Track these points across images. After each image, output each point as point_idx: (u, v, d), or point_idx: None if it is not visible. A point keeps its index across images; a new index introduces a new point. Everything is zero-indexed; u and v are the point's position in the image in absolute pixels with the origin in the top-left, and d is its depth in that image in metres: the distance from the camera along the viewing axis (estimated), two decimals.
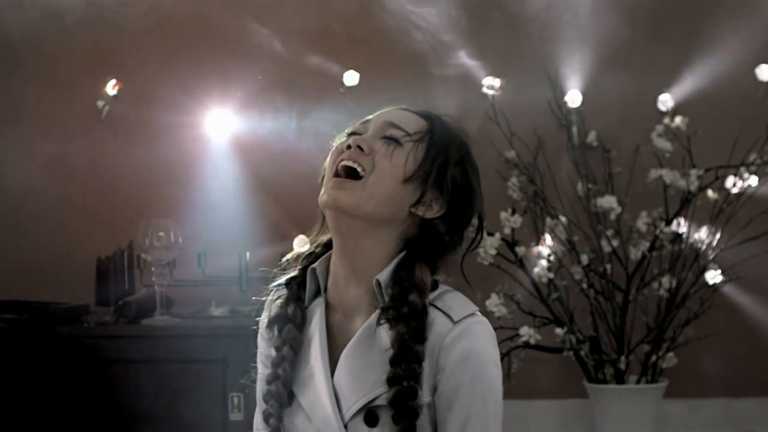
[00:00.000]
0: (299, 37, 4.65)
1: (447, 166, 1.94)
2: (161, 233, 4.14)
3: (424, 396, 1.87)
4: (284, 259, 2.04)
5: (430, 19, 4.57)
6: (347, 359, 1.91)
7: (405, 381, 1.85)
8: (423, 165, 1.92)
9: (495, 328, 4.74)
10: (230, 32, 4.64)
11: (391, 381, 1.86)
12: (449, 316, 1.88)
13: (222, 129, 4.68)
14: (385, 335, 1.88)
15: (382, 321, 1.88)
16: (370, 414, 1.88)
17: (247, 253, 4.31)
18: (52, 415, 4.06)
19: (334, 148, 1.97)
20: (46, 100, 4.70)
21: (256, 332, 2.06)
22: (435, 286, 1.93)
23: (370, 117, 1.99)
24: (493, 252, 4.39)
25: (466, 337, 1.88)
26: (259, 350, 2.04)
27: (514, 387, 4.29)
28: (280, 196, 4.49)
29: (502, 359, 4.23)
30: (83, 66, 4.70)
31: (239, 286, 4.31)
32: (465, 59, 4.66)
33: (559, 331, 4.39)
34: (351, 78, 4.65)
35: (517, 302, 4.39)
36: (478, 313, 1.92)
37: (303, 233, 3.50)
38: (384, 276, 1.90)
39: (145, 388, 4.06)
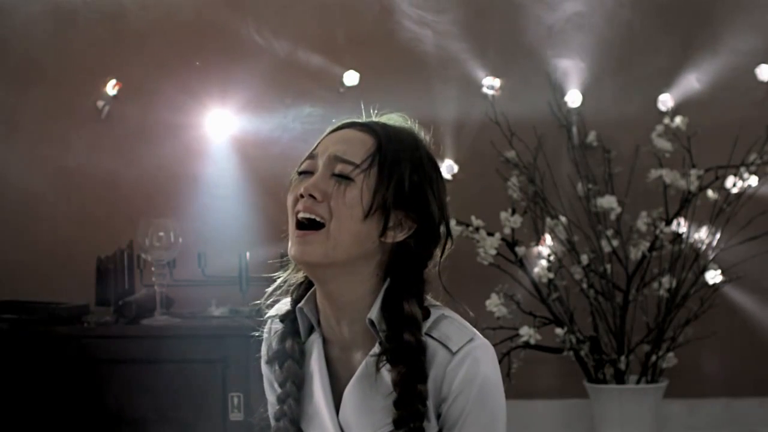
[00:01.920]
0: (299, 37, 4.65)
1: (403, 181, 1.89)
2: (161, 233, 4.13)
3: (432, 428, 1.87)
4: (277, 283, 2.00)
5: (431, 19, 4.57)
6: (351, 398, 1.90)
7: (411, 422, 1.84)
8: (378, 193, 1.88)
9: (495, 328, 4.73)
10: (230, 32, 4.64)
11: (397, 423, 1.85)
12: (447, 348, 1.86)
13: (222, 129, 4.68)
14: (386, 375, 1.86)
15: (381, 363, 1.86)
16: None
17: (247, 253, 4.31)
18: (51, 415, 4.06)
19: (290, 189, 1.96)
20: (47, 100, 4.70)
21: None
22: (427, 313, 1.89)
23: (317, 149, 1.94)
24: (493, 252, 4.39)
25: (467, 363, 1.85)
26: (264, 380, 2.04)
27: (514, 387, 4.29)
28: (280, 196, 4.47)
29: (502, 359, 4.28)
30: (83, 66, 4.70)
31: (239, 286, 4.30)
32: (465, 59, 4.66)
33: (559, 331, 4.39)
34: (351, 78, 4.65)
35: (517, 302, 4.38)
36: (477, 335, 1.89)
37: None
38: (375, 314, 1.88)
39: (145, 388, 4.05)
